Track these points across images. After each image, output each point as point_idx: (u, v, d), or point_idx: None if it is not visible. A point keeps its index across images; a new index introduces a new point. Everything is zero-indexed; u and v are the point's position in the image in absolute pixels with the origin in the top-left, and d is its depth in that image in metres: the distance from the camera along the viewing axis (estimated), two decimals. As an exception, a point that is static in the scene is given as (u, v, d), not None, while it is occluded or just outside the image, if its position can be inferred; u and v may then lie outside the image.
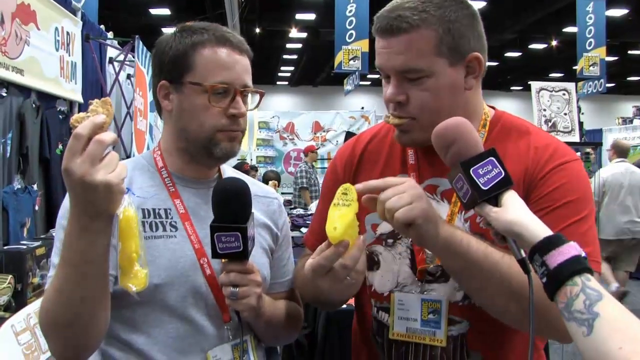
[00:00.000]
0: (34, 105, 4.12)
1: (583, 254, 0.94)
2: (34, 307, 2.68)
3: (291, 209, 7.40)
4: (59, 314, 1.13)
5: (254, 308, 1.28)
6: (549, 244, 0.95)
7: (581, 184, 1.28)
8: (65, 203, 1.27)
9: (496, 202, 1.03)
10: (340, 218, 1.12)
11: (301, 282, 1.47)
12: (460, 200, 1.06)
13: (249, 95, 1.40)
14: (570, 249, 0.94)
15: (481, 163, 1.03)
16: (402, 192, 1.09)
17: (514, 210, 1.01)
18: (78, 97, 5.02)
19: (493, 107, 1.43)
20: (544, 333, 1.20)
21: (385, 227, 1.41)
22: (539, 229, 0.98)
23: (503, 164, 1.03)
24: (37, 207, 4.11)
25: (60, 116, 4.61)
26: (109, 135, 1.03)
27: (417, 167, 1.39)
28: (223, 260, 1.26)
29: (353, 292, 1.25)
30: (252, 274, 1.27)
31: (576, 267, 0.92)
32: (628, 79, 24.54)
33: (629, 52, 19.38)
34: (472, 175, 1.02)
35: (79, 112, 5.03)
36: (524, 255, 1.01)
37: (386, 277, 1.40)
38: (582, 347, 0.90)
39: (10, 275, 2.82)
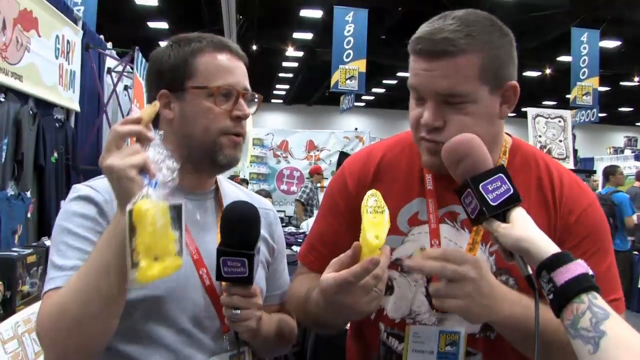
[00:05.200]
0: (31, 112, 4.11)
1: (590, 272, 0.95)
2: (22, 316, 2.63)
3: (283, 226, 7.35)
4: (80, 309, 1.10)
5: (253, 330, 1.28)
6: (556, 261, 0.95)
7: (604, 228, 1.30)
8: (67, 207, 1.28)
9: (504, 219, 1.03)
10: (377, 226, 1.08)
11: (297, 303, 1.40)
12: (468, 215, 1.06)
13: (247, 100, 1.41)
14: (578, 267, 0.94)
15: (490, 179, 1.03)
16: (458, 278, 1.08)
17: (522, 226, 1.01)
18: (75, 106, 5.01)
19: (508, 134, 1.39)
20: None
21: (402, 252, 1.34)
22: (546, 246, 0.98)
23: (512, 181, 1.04)
24: (29, 215, 4.07)
25: (56, 124, 4.59)
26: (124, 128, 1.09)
27: (436, 193, 1.33)
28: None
29: (375, 307, 1.15)
30: (255, 297, 1.27)
31: (583, 284, 0.93)
32: (619, 109, 24.85)
33: (621, 83, 19.66)
34: (481, 190, 1.03)
35: (75, 120, 5.08)
36: (530, 272, 1.01)
37: (400, 303, 1.34)
38: None
39: (0, 282, 2.78)
